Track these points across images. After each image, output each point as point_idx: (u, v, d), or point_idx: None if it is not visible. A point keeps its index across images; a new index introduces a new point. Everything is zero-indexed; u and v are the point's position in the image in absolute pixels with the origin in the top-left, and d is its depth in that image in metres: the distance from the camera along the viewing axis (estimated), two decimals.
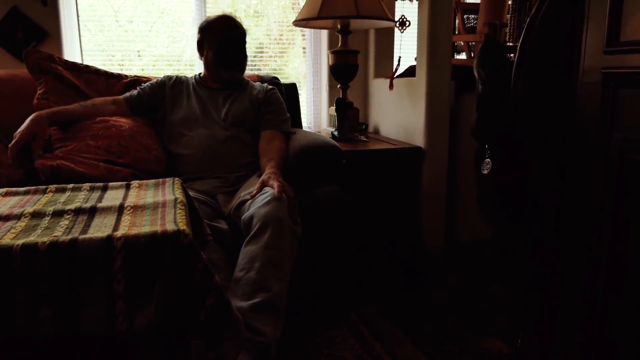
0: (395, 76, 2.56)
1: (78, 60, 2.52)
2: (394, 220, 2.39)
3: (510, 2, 2.48)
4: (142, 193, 1.29)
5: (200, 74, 2.17)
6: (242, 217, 1.62)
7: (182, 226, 1.02)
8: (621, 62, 1.10)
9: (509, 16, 2.61)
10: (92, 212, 1.14)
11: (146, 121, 2.04)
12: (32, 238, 0.97)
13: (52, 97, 1.95)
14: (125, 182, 1.39)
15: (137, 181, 1.41)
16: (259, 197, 1.62)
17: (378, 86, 2.82)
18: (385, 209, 2.37)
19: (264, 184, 1.69)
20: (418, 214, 2.41)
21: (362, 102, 2.95)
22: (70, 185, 1.35)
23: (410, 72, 2.56)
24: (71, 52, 2.48)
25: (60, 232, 1.02)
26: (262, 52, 3.06)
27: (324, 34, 2.91)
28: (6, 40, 2.34)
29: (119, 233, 0.98)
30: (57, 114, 1.83)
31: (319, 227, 1.80)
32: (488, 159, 1.82)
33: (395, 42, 2.85)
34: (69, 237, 0.96)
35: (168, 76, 2.15)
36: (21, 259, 0.92)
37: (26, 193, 1.29)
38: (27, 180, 1.73)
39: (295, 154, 1.97)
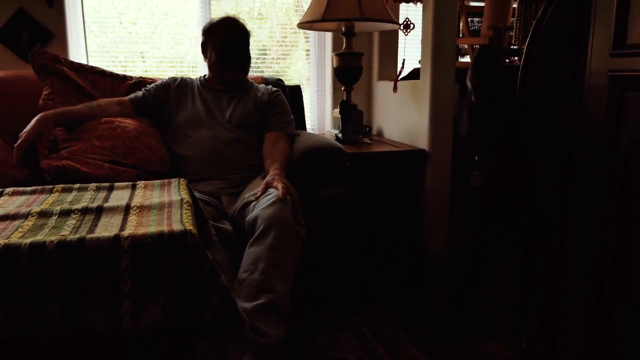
0: (399, 79, 2.56)
1: (83, 61, 2.52)
2: (397, 223, 2.39)
3: (515, 6, 2.49)
4: (148, 193, 1.29)
5: (204, 75, 2.18)
6: (247, 219, 1.62)
7: (189, 226, 1.03)
8: (627, 65, 1.11)
9: (513, 19, 2.61)
10: (99, 211, 1.14)
11: (151, 122, 2.04)
12: (39, 237, 0.98)
13: (57, 98, 1.95)
14: (131, 183, 1.39)
15: (143, 181, 1.42)
16: (263, 199, 1.63)
17: (382, 89, 2.82)
18: (389, 211, 2.37)
19: (268, 186, 1.69)
20: (421, 216, 2.41)
21: (366, 105, 2.95)
22: (77, 185, 1.35)
23: (414, 74, 2.56)
24: (76, 53, 2.49)
25: (67, 231, 1.03)
26: (265, 55, 3.07)
27: (328, 36, 2.92)
28: (12, 42, 2.35)
29: (126, 233, 0.98)
30: (62, 114, 1.84)
31: (322, 229, 1.80)
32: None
33: (400, 45, 2.85)
34: (77, 236, 0.97)
35: (173, 78, 2.16)
36: (29, 258, 0.92)
37: (33, 192, 1.30)
38: (32, 180, 1.74)
39: (300, 156, 1.97)
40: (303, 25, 2.49)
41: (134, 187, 1.36)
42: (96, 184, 1.36)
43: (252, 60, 2.16)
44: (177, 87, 2.11)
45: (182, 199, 1.21)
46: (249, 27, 2.12)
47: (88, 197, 1.26)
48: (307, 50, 3.07)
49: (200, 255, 1.01)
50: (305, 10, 2.52)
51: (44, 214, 1.11)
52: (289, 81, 2.62)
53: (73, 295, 0.95)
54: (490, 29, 2.50)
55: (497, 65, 1.73)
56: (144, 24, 2.87)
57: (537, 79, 1.29)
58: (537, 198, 1.39)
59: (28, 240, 0.94)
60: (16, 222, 1.07)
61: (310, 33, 2.99)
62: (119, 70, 2.29)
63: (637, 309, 1.13)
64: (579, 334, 1.31)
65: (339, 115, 2.49)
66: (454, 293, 2.16)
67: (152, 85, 2.12)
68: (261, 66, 3.02)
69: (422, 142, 2.36)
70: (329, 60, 2.93)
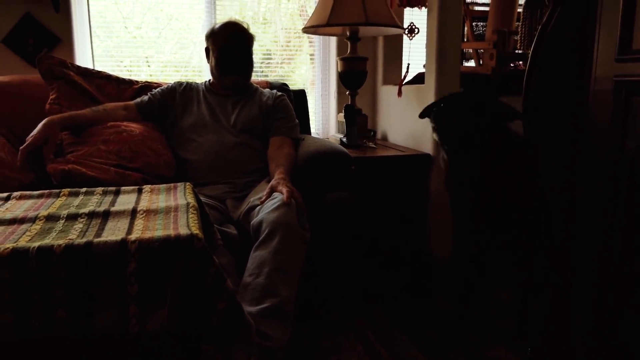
0: (403, 83, 2.57)
1: (89, 66, 2.54)
2: (401, 227, 2.39)
3: (520, 10, 2.49)
4: (154, 197, 1.30)
5: (209, 80, 2.19)
6: (251, 223, 1.62)
7: (195, 230, 1.03)
8: (633, 70, 1.11)
9: (518, 24, 2.61)
10: (106, 215, 1.15)
11: (156, 126, 2.05)
12: (47, 241, 0.98)
13: (64, 102, 1.97)
14: (137, 187, 1.40)
15: (149, 186, 1.42)
16: (268, 203, 1.63)
17: (387, 93, 2.82)
18: (393, 216, 2.37)
19: (273, 190, 1.69)
20: (425, 221, 2.41)
21: (371, 109, 2.96)
22: (83, 189, 1.36)
23: (419, 79, 2.56)
24: (82, 58, 2.51)
25: (74, 235, 1.03)
26: (269, 59, 3.08)
27: (333, 40, 2.92)
28: (19, 46, 2.37)
29: (133, 236, 0.99)
30: (68, 118, 1.85)
31: (327, 233, 1.80)
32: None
33: (404, 49, 2.86)
34: (84, 240, 0.97)
35: (178, 82, 2.17)
36: (37, 262, 0.93)
37: (40, 196, 1.31)
38: (37, 184, 1.75)
39: (304, 160, 1.98)
40: (308, 29, 2.50)
41: (140, 191, 1.36)
42: (102, 188, 1.37)
43: (256, 65, 2.16)
44: (183, 92, 2.12)
45: (188, 203, 1.21)
46: (252, 31, 2.12)
47: (95, 201, 1.26)
48: (311, 55, 3.07)
49: (207, 260, 1.01)
50: (310, 15, 2.53)
51: (51, 218, 1.12)
52: (293, 85, 2.62)
53: (80, 298, 0.96)
54: (494, 33, 2.50)
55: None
56: (149, 29, 2.88)
57: (542, 84, 1.29)
58: (542, 203, 1.39)
59: (36, 244, 0.95)
60: (24, 226, 1.08)
61: (315, 37, 3.00)
62: (123, 74, 2.30)
63: None
64: (585, 338, 1.31)
65: (344, 120, 2.50)
66: (456, 297, 2.15)
67: (158, 89, 2.13)
68: (265, 70, 3.03)
69: (427, 146, 2.36)
70: (333, 65, 2.94)
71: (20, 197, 1.30)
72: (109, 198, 1.30)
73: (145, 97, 2.09)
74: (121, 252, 0.96)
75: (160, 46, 2.90)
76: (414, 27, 2.56)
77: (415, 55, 2.71)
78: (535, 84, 1.30)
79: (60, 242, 0.96)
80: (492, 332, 1.91)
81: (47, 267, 0.94)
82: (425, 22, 2.33)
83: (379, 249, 2.35)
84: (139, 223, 1.10)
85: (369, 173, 2.26)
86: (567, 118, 1.29)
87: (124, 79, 2.22)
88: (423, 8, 2.52)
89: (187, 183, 1.43)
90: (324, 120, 3.05)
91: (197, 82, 2.21)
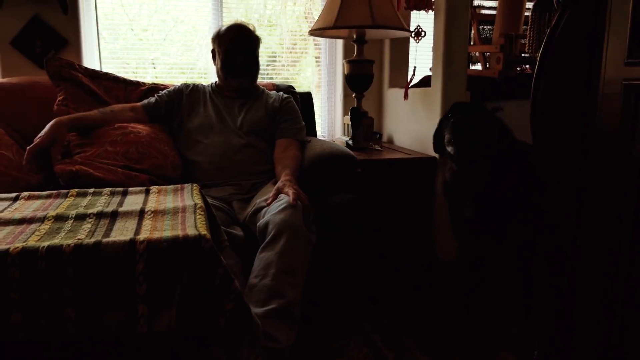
0: (410, 86, 2.57)
1: (96, 67, 2.55)
2: (407, 230, 2.39)
3: (528, 14, 2.49)
4: (162, 198, 1.30)
5: (216, 82, 2.20)
6: (258, 224, 1.62)
7: (203, 231, 1.03)
8: None
9: (525, 27, 2.61)
10: (114, 216, 1.15)
11: (163, 128, 2.06)
12: (56, 241, 0.99)
13: (71, 104, 1.98)
14: (145, 188, 1.41)
15: (156, 187, 1.43)
16: (274, 204, 1.63)
17: (393, 96, 2.82)
18: (399, 218, 2.36)
19: (279, 192, 1.70)
20: (431, 224, 2.41)
21: (377, 112, 2.96)
22: (91, 190, 1.36)
23: (426, 82, 2.56)
24: (90, 60, 2.52)
25: (83, 235, 1.04)
26: (274, 61, 3.08)
27: (339, 43, 2.93)
28: (26, 48, 2.38)
29: (141, 237, 0.99)
30: (76, 120, 1.86)
31: (333, 235, 1.80)
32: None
33: (411, 52, 2.86)
34: (93, 240, 0.98)
35: (185, 84, 2.17)
36: (46, 261, 0.93)
37: (48, 197, 1.31)
38: (45, 185, 1.76)
39: (311, 162, 1.98)
40: (314, 32, 2.51)
41: (147, 192, 1.37)
42: (110, 189, 1.38)
43: (262, 67, 2.17)
44: (189, 93, 2.13)
45: (195, 204, 1.22)
46: (258, 33, 2.13)
47: (103, 202, 1.27)
48: (317, 57, 3.08)
49: (215, 260, 1.01)
50: (316, 18, 2.54)
51: (60, 218, 1.12)
52: (298, 88, 2.63)
53: (89, 298, 0.96)
54: (501, 36, 2.50)
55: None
56: (155, 31, 2.89)
57: (551, 88, 1.29)
58: (550, 208, 1.39)
59: (45, 244, 0.95)
60: (33, 226, 1.08)
61: (321, 40, 3.00)
62: (130, 76, 2.31)
63: None
64: (592, 344, 1.30)
65: (350, 122, 2.50)
66: (462, 301, 2.15)
67: (165, 91, 2.14)
68: (271, 73, 3.04)
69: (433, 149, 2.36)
70: (339, 67, 2.94)
71: (29, 198, 1.31)
72: (116, 199, 1.30)
73: (152, 99, 2.10)
74: (130, 253, 0.97)
75: (167, 48, 2.91)
76: (420, 30, 2.56)
77: (421, 58, 2.71)
78: (544, 88, 1.30)
79: (70, 241, 0.96)
80: (498, 336, 1.90)
81: (57, 267, 0.94)
82: (432, 25, 2.33)
83: (384, 252, 2.34)
84: (146, 224, 1.11)
85: (374, 176, 2.26)
86: (575, 121, 1.28)
87: (131, 81, 2.23)
88: (430, 11, 2.53)
89: (194, 184, 1.44)
90: (330, 123, 3.06)
91: (203, 84, 2.21)
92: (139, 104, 2.09)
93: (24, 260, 0.93)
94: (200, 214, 1.16)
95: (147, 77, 2.85)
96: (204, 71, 2.95)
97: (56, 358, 1.03)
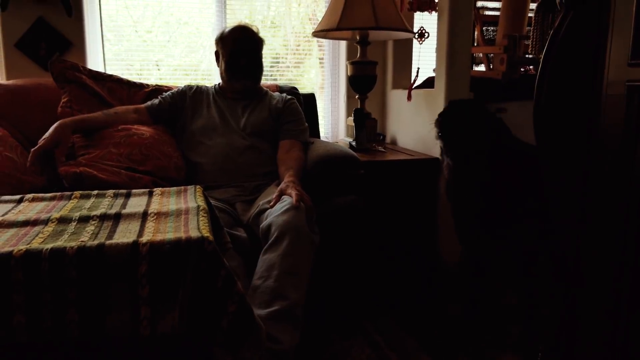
0: (413, 87, 2.57)
1: (101, 69, 2.56)
2: (410, 231, 2.38)
3: (532, 15, 2.48)
4: (165, 200, 1.31)
5: (219, 83, 2.20)
6: (261, 226, 1.63)
7: (206, 233, 1.04)
8: None
9: (529, 28, 2.60)
10: (117, 218, 1.16)
11: (166, 129, 2.06)
12: (60, 243, 0.99)
13: (75, 106, 1.98)
14: (148, 190, 1.41)
15: (160, 189, 1.43)
16: (277, 206, 1.63)
17: (396, 97, 2.82)
18: (402, 220, 2.36)
19: (282, 193, 1.70)
20: (434, 225, 2.40)
21: (380, 113, 2.96)
22: (95, 192, 1.37)
23: (429, 83, 2.56)
24: (94, 62, 2.53)
25: (86, 237, 1.04)
26: (278, 63, 3.09)
27: (343, 44, 2.93)
28: (31, 50, 2.39)
29: (144, 239, 0.99)
30: (80, 122, 1.86)
31: (336, 236, 1.80)
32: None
33: (414, 53, 2.86)
34: (96, 242, 0.98)
35: (189, 85, 2.18)
36: (50, 263, 0.94)
37: (52, 199, 1.32)
38: (49, 187, 1.76)
39: (314, 164, 1.98)
40: (318, 33, 2.51)
41: (150, 194, 1.37)
42: (114, 191, 1.38)
43: (266, 68, 2.17)
44: (193, 95, 2.13)
45: (198, 206, 1.22)
46: (262, 35, 2.13)
47: (106, 204, 1.27)
48: (321, 59, 3.08)
49: (217, 262, 1.02)
50: (319, 20, 2.54)
51: (64, 220, 1.13)
52: (302, 89, 2.63)
53: (92, 300, 0.96)
54: (505, 38, 2.50)
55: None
56: (159, 33, 2.90)
57: (554, 89, 1.29)
58: (554, 208, 1.38)
59: (49, 246, 0.96)
60: (36, 228, 1.09)
61: (324, 41, 3.01)
62: (134, 78, 2.32)
63: None
64: (597, 344, 1.29)
65: (353, 124, 2.50)
66: (465, 303, 2.14)
67: (168, 92, 2.15)
68: (275, 74, 3.04)
69: (436, 150, 2.35)
70: (343, 69, 2.94)
71: (33, 200, 1.31)
72: (120, 201, 1.31)
73: (156, 101, 2.11)
74: (133, 255, 0.97)
75: (170, 50, 2.92)
76: (424, 31, 2.56)
77: (425, 59, 2.70)
78: (547, 89, 1.29)
79: (73, 244, 0.97)
80: (501, 337, 1.89)
81: (60, 269, 0.95)
82: (435, 26, 2.32)
83: (387, 253, 2.34)
84: (150, 225, 1.11)
85: (378, 177, 2.26)
86: (578, 123, 1.28)
87: (134, 83, 2.24)
88: (433, 12, 2.52)
89: (198, 186, 1.44)
90: (333, 124, 3.06)
91: (207, 85, 2.22)
92: (142, 105, 2.09)
93: (28, 262, 0.93)
94: (203, 216, 1.16)
95: (151, 78, 2.85)
96: (207, 73, 2.95)
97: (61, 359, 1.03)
